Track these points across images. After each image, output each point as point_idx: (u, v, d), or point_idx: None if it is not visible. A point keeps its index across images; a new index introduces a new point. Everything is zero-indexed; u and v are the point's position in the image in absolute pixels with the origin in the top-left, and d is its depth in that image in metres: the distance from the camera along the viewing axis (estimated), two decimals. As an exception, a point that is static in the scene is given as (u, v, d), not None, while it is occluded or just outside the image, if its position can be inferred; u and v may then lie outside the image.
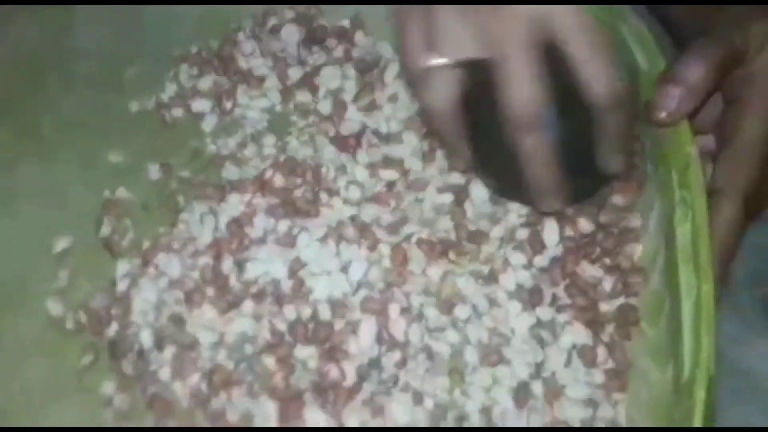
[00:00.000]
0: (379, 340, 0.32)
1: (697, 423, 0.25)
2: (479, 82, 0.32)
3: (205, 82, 0.39)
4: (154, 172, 0.37)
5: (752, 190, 0.31)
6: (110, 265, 0.34)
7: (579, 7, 0.30)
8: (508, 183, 0.34)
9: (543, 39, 0.31)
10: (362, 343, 0.32)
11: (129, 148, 0.37)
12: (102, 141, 0.37)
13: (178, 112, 0.39)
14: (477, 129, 0.33)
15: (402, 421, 0.31)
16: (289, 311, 0.33)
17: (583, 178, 0.33)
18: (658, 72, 0.33)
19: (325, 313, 0.33)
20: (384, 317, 0.33)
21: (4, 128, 0.37)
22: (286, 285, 0.34)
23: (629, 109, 0.32)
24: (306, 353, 0.32)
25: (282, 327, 0.33)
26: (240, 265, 0.34)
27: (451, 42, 0.31)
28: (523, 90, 0.31)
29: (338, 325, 0.33)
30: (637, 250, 0.33)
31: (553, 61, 0.31)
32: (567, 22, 0.30)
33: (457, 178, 0.36)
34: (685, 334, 0.28)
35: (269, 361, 0.32)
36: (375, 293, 0.33)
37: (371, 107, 0.38)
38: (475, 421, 0.30)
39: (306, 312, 0.33)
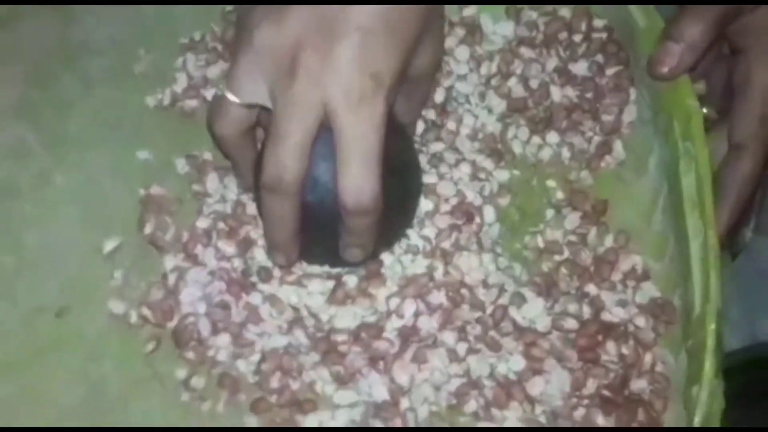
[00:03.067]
0: (417, 312, 0.37)
1: (710, 349, 0.31)
2: None
3: (214, 70, 0.42)
4: (181, 165, 0.41)
5: None
6: (158, 260, 0.38)
7: (360, 107, 0.32)
8: None
9: (322, 123, 0.33)
10: (405, 317, 0.37)
11: (154, 143, 0.40)
12: (127, 140, 0.40)
13: (193, 102, 0.42)
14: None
15: (443, 371, 0.36)
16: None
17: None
18: (656, 28, 0.37)
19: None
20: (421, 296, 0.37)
21: (31, 135, 0.40)
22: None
23: (378, 220, 0.34)
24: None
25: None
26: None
27: (247, 84, 0.33)
28: (271, 157, 0.33)
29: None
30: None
31: None
32: (338, 121, 0.32)
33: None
34: (693, 272, 0.33)
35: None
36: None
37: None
38: (514, 365, 0.36)
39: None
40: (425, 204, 0.39)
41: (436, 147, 0.41)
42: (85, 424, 0.35)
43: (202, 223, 0.39)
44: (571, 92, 0.42)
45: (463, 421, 0.36)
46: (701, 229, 0.33)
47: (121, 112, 0.41)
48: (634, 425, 0.35)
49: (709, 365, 0.31)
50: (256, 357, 0.37)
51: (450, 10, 0.42)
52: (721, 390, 0.31)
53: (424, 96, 0.39)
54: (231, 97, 0.34)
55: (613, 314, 0.37)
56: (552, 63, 0.42)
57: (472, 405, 0.36)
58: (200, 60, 0.42)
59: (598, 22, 0.42)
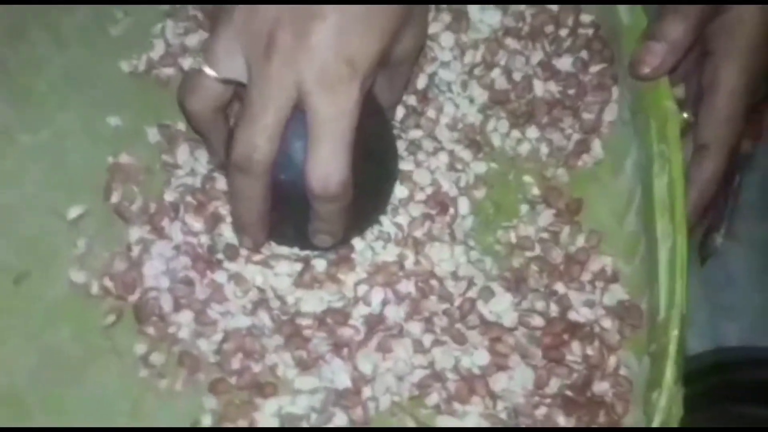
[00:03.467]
0: (384, 301, 0.37)
1: (671, 356, 0.31)
2: None
3: (193, 39, 0.41)
4: (152, 134, 0.40)
5: (737, 143, 0.35)
6: (123, 230, 0.38)
7: (333, 92, 0.31)
8: None
9: (296, 104, 0.32)
10: (372, 305, 0.37)
11: (126, 110, 0.40)
12: (98, 104, 0.39)
13: (169, 70, 0.41)
14: None
15: (408, 361, 0.36)
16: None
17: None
18: (640, 27, 0.37)
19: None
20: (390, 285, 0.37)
21: (-1, 94, 0.39)
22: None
23: (346, 207, 0.34)
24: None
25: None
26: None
27: (226, 59, 0.33)
28: (241, 136, 0.32)
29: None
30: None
31: None
32: (310, 103, 0.32)
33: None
34: (661, 276, 0.33)
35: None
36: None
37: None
38: (479, 359, 0.36)
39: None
40: (400, 191, 0.39)
41: (415, 134, 0.40)
42: (37, 391, 0.34)
43: (170, 196, 0.38)
44: (553, 87, 0.41)
45: (424, 414, 0.36)
46: (671, 233, 0.33)
47: (94, 75, 0.40)
48: (595, 427, 0.35)
49: (669, 372, 0.31)
50: (218, 336, 0.36)
51: (438, -6, 0.41)
52: (681, 396, 0.32)
53: (405, 80, 0.38)
54: (208, 71, 0.33)
55: (580, 314, 0.37)
56: (537, 56, 0.42)
57: (434, 398, 0.36)
58: (179, 27, 0.41)
59: (585, 18, 0.41)
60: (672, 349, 0.31)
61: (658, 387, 0.32)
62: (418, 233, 0.38)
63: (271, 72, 0.32)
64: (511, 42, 0.42)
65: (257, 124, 0.32)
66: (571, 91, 0.41)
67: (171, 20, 0.41)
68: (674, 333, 0.32)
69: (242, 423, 0.35)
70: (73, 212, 0.38)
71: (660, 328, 0.33)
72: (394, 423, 0.36)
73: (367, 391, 0.36)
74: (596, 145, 0.41)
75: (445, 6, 0.42)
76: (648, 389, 0.33)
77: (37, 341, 0.35)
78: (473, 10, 0.42)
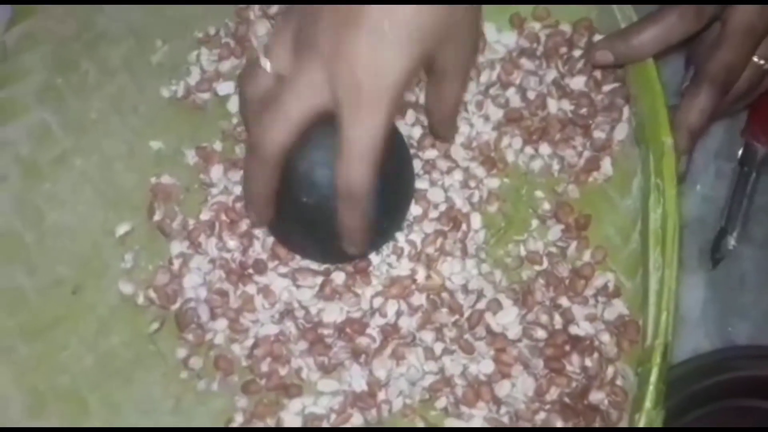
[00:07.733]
0: (398, 312, 0.42)
1: (653, 379, 0.35)
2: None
3: (226, 65, 0.46)
4: (190, 156, 0.45)
5: (733, 78, 0.39)
6: (165, 246, 0.43)
7: (360, 107, 0.34)
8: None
9: (326, 109, 0.35)
10: (387, 316, 0.42)
11: (166, 133, 0.45)
12: (142, 128, 0.45)
13: (205, 95, 0.46)
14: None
15: (419, 367, 0.41)
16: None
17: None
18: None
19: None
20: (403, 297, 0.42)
21: (53, 119, 0.45)
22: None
23: (367, 209, 0.36)
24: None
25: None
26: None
27: (279, 54, 0.35)
28: (262, 120, 0.35)
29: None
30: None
31: None
32: (339, 113, 0.34)
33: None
34: (650, 305, 0.37)
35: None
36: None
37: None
38: (484, 367, 0.41)
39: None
40: (414, 209, 0.43)
41: (431, 154, 0.44)
42: (93, 389, 0.41)
43: (206, 215, 0.43)
44: (566, 106, 0.45)
45: (433, 415, 0.41)
46: (661, 265, 0.37)
47: (137, 101, 0.46)
48: (592, 427, 0.39)
49: (649, 399, 0.35)
50: (249, 342, 0.42)
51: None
52: (661, 418, 0.35)
53: (457, 92, 0.39)
54: (263, 62, 0.36)
55: (581, 327, 0.41)
56: (550, 76, 0.45)
57: (442, 401, 0.41)
58: (213, 54, 0.46)
59: (598, 38, 0.44)
60: (654, 377, 0.35)
61: (639, 410, 0.35)
62: (431, 249, 0.43)
63: (305, 68, 0.34)
64: (525, 62, 0.45)
65: (279, 112, 0.35)
66: (583, 110, 0.44)
67: (205, 48, 0.46)
68: (657, 361, 0.35)
69: (270, 420, 0.41)
70: (121, 229, 0.44)
71: (646, 353, 0.37)
72: (405, 423, 0.41)
73: (381, 395, 0.41)
74: (606, 163, 0.44)
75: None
76: (634, 409, 0.37)
77: (93, 346, 0.42)
78: (490, 31, 0.46)
